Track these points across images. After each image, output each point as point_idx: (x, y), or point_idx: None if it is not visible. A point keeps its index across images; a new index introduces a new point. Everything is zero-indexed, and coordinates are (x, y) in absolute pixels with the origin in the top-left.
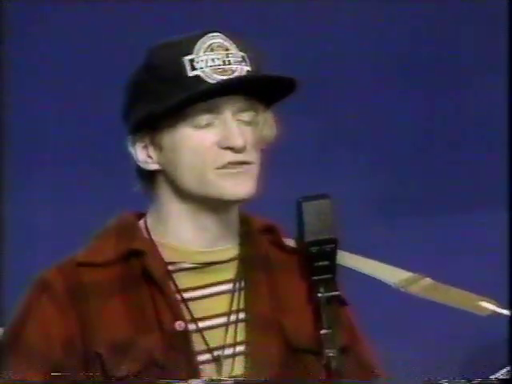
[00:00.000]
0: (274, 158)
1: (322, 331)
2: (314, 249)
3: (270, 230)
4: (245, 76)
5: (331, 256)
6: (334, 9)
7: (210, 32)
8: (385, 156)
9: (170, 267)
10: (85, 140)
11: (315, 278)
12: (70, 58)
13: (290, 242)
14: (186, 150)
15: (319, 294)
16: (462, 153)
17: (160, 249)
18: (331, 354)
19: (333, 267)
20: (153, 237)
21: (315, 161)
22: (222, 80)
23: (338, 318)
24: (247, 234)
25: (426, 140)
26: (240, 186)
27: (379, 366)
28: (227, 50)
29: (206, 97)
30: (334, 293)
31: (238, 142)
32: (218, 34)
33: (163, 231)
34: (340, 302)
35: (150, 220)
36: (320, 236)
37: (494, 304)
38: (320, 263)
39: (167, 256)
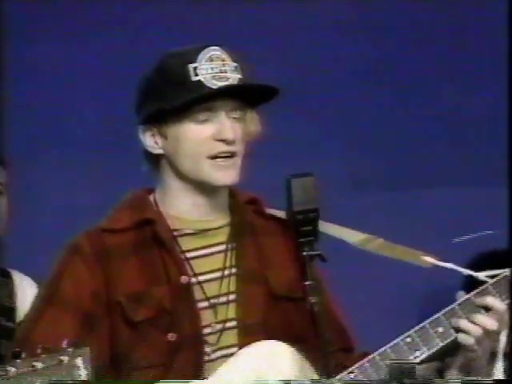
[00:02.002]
0: (266, 145)
1: (307, 282)
2: (300, 216)
3: (253, 202)
4: (237, 84)
5: (314, 222)
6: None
7: (210, 45)
8: (357, 140)
9: (175, 233)
10: (101, 129)
11: (301, 240)
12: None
13: (270, 211)
14: (187, 140)
15: (304, 253)
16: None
17: (166, 218)
18: (314, 301)
19: (315, 231)
20: (160, 208)
21: (301, 146)
22: (220, 86)
23: (318, 272)
24: (235, 205)
25: (393, 126)
26: (226, 175)
27: (343, 316)
28: (224, 60)
29: (206, 99)
30: (316, 252)
31: (230, 135)
32: (217, 47)
33: (168, 204)
34: (321, 259)
35: (157, 195)
36: (305, 206)
37: (434, 258)
38: (305, 228)
39: (172, 224)
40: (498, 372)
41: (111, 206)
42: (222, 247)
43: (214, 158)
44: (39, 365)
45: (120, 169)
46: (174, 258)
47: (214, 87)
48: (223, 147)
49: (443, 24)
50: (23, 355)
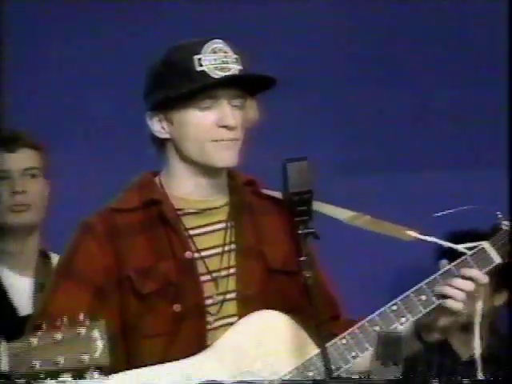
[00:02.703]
0: (264, 131)
1: (301, 258)
2: (295, 197)
3: (251, 183)
4: (238, 74)
5: (308, 203)
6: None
7: (213, 38)
8: (347, 126)
9: (179, 212)
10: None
11: (297, 219)
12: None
13: (267, 192)
14: (191, 125)
15: (299, 231)
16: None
17: (171, 199)
18: (308, 275)
19: (309, 211)
20: (165, 190)
21: (296, 132)
22: (222, 76)
23: (312, 248)
24: (234, 186)
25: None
26: (227, 157)
27: (332, 287)
28: (225, 52)
29: (209, 88)
30: (310, 230)
31: (231, 122)
32: (220, 40)
33: (172, 186)
34: (314, 236)
35: (163, 177)
36: (300, 188)
37: (417, 232)
38: (300, 208)
39: (176, 204)
40: (476, 341)
41: (121, 187)
42: (222, 225)
43: (216, 142)
44: (59, 336)
45: (130, 152)
46: (179, 236)
47: (216, 77)
48: (225, 133)
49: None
50: (44, 327)
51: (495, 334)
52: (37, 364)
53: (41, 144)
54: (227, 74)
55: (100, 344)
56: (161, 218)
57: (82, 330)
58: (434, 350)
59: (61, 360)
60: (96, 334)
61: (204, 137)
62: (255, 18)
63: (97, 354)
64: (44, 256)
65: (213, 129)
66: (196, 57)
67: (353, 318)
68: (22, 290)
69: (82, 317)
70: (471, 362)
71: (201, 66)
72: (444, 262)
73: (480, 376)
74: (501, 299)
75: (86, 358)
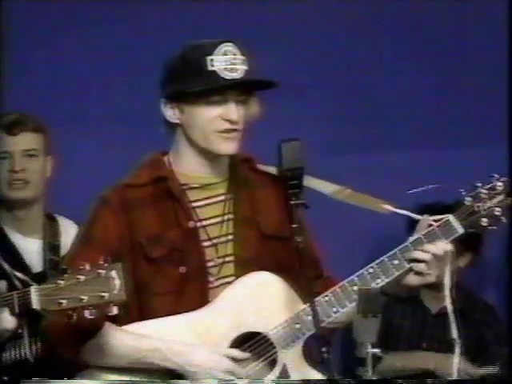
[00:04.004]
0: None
1: (293, 225)
2: (289, 173)
3: (248, 160)
4: (244, 77)
5: (300, 177)
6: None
7: (225, 41)
8: (335, 109)
9: (184, 187)
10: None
11: (290, 191)
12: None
13: (263, 168)
14: (199, 117)
15: (292, 202)
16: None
17: (177, 175)
18: (299, 240)
19: (300, 185)
20: (172, 167)
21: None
22: (230, 77)
23: (303, 217)
24: (233, 163)
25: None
26: (229, 146)
27: (318, 250)
28: (234, 54)
29: (220, 88)
30: (301, 201)
31: (235, 116)
32: (230, 43)
33: (179, 164)
34: (304, 206)
35: (171, 156)
36: (293, 164)
37: (393, 206)
38: (292, 182)
39: (181, 179)
40: (447, 299)
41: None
42: (222, 197)
43: (220, 132)
44: (82, 277)
45: (143, 133)
46: (183, 207)
47: (226, 77)
48: (228, 125)
49: None
50: (69, 271)
51: (460, 291)
52: (64, 302)
53: (43, 126)
54: (234, 74)
55: (117, 283)
56: (168, 193)
57: (102, 272)
58: (408, 305)
59: (84, 298)
60: (114, 274)
61: (209, 127)
62: (254, 16)
63: (115, 292)
64: (51, 219)
65: (218, 121)
66: (209, 57)
67: (336, 278)
68: (31, 250)
69: (101, 260)
70: (440, 315)
71: (212, 66)
72: (425, 216)
73: (452, 328)
74: (465, 261)
75: (105, 295)
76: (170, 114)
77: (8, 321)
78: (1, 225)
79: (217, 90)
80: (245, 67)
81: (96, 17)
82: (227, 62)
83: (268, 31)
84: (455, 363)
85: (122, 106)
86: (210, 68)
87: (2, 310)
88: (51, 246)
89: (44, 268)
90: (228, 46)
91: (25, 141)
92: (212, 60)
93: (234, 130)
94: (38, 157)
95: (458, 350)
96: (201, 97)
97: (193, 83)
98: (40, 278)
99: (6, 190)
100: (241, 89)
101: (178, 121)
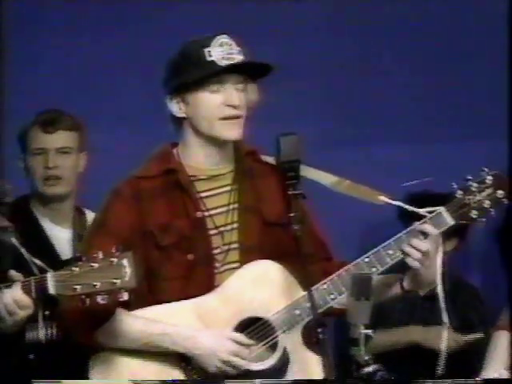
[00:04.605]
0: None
1: (291, 214)
2: (286, 164)
3: (252, 152)
4: (241, 62)
5: (297, 169)
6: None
7: (221, 34)
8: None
9: (192, 178)
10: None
11: (287, 182)
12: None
13: (266, 159)
14: (203, 106)
15: (289, 192)
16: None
17: (185, 167)
18: (296, 228)
19: (297, 176)
20: (181, 159)
21: (289, 112)
22: (228, 64)
23: (301, 206)
24: (238, 155)
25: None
26: (233, 132)
27: (324, 234)
28: (230, 45)
29: (217, 74)
30: (298, 191)
31: (236, 101)
32: (225, 35)
33: (187, 156)
34: (302, 196)
35: (179, 149)
36: (290, 157)
37: (387, 197)
38: (290, 174)
39: (190, 171)
40: (439, 284)
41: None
42: (228, 188)
43: (224, 119)
44: (95, 265)
45: (155, 129)
46: (191, 198)
47: (223, 65)
48: (231, 111)
49: None
50: (83, 259)
51: (447, 275)
52: (78, 287)
53: (78, 124)
54: (232, 62)
55: (128, 270)
56: (177, 184)
57: (114, 260)
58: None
59: (97, 284)
60: (125, 262)
61: (213, 115)
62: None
63: (126, 279)
64: (80, 212)
65: (221, 107)
66: (206, 49)
67: (346, 260)
68: (62, 239)
69: (114, 249)
70: (428, 298)
71: (210, 56)
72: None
73: (441, 307)
74: (451, 245)
75: (117, 281)
76: (176, 108)
77: (25, 304)
78: (35, 215)
79: (216, 76)
80: (241, 57)
81: (109, 17)
82: (224, 52)
83: (267, 28)
84: (443, 335)
85: (135, 104)
86: (208, 58)
87: (21, 295)
88: (80, 236)
89: (73, 256)
90: (223, 38)
91: (59, 139)
92: (210, 51)
93: (237, 117)
94: (71, 154)
95: (445, 330)
96: (202, 86)
97: (193, 74)
98: (60, 265)
99: (41, 186)
100: (239, 76)
101: (184, 114)
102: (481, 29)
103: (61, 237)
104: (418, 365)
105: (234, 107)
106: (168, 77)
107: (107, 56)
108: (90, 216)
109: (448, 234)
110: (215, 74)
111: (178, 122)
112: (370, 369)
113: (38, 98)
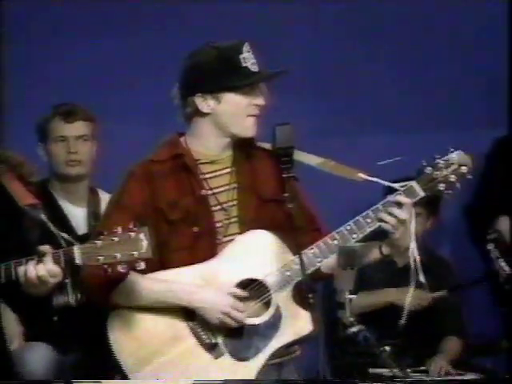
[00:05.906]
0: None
1: (285, 194)
2: (281, 151)
3: (250, 139)
4: (269, 72)
5: (290, 155)
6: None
7: (244, 41)
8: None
9: (197, 162)
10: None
11: (282, 166)
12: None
13: (263, 145)
14: (235, 104)
15: (284, 175)
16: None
17: (192, 152)
18: (290, 206)
19: (291, 161)
20: (188, 146)
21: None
22: (256, 71)
23: (294, 187)
24: (236, 141)
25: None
26: (253, 129)
27: (314, 209)
28: (250, 51)
29: (258, 81)
30: (292, 174)
31: (262, 102)
32: (246, 42)
33: (194, 143)
34: (294, 179)
35: (187, 137)
36: (284, 144)
37: (367, 175)
38: (284, 159)
39: (195, 156)
40: (413, 250)
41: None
42: (228, 170)
43: (250, 116)
44: (116, 239)
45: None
46: (196, 178)
47: (254, 71)
48: (257, 110)
49: None
50: (105, 233)
51: (423, 248)
52: (101, 258)
53: (92, 116)
54: (256, 67)
55: (145, 243)
56: (184, 166)
57: (132, 234)
58: (381, 260)
59: (118, 255)
60: (142, 236)
61: (243, 111)
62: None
63: (143, 251)
64: (93, 192)
65: (249, 107)
66: (241, 56)
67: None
68: (78, 217)
69: (131, 225)
70: (405, 268)
71: (245, 63)
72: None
73: (420, 278)
74: (430, 224)
75: (135, 253)
76: (203, 105)
77: (55, 273)
78: (54, 195)
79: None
80: (256, 61)
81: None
82: (251, 58)
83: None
84: (409, 291)
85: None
86: (243, 65)
87: (52, 265)
88: (94, 213)
89: (88, 231)
90: (247, 46)
91: (78, 127)
92: (244, 58)
93: (258, 114)
94: (87, 141)
95: (412, 287)
96: (237, 88)
97: (232, 79)
98: (82, 239)
99: (64, 168)
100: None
101: (210, 110)
102: (476, 22)
103: (77, 214)
104: (394, 325)
105: (259, 107)
106: (201, 78)
107: (120, 53)
108: (103, 196)
109: (428, 215)
110: (255, 82)
111: (189, 114)
112: (354, 329)
113: (52, 92)
